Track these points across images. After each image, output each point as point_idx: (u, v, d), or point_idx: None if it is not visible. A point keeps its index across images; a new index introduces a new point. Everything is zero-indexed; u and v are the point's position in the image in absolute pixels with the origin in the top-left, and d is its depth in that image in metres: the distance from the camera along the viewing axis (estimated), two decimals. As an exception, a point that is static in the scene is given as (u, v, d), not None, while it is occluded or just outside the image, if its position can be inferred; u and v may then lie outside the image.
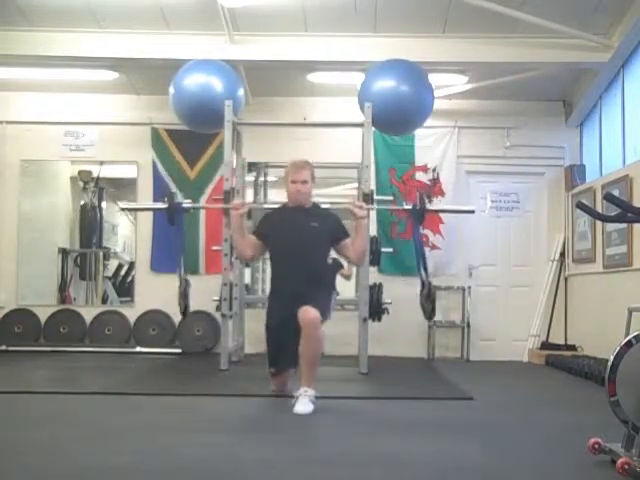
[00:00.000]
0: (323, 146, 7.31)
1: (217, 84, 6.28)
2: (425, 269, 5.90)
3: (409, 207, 5.79)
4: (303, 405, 4.01)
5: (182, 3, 6.20)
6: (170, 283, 7.69)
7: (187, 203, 6.28)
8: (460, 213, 7.08)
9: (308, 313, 4.14)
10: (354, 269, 7.00)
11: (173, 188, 7.68)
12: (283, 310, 4.35)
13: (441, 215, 7.52)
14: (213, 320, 7.51)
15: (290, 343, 4.22)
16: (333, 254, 4.79)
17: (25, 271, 7.88)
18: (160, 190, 7.70)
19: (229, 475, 2.83)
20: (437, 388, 5.58)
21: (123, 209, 7.25)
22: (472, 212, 6.42)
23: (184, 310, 6.26)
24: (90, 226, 8.44)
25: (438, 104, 6.65)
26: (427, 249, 7.62)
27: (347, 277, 7.18)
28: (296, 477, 2.83)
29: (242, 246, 4.62)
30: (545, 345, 7.51)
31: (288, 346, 4.28)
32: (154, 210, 7.12)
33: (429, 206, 5.97)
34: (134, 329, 7.73)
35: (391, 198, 7.50)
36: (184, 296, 6.21)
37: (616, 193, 5.35)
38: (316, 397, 4.06)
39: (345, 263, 6.73)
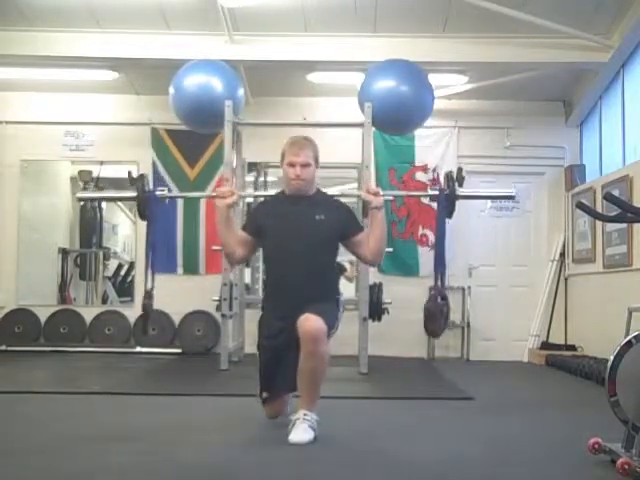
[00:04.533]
0: (323, 146, 7.20)
1: (217, 84, 6.28)
2: (443, 274, 4.89)
3: (435, 192, 4.87)
4: (301, 432, 3.27)
5: (182, 3, 6.19)
6: (170, 283, 7.71)
7: (161, 191, 5.00)
8: (499, 199, 6.33)
9: (309, 323, 3.31)
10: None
11: (173, 188, 7.70)
12: (280, 325, 3.52)
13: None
14: (213, 320, 7.51)
15: (288, 365, 3.45)
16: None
17: (25, 271, 7.87)
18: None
19: (229, 475, 2.82)
20: (437, 388, 5.58)
21: (80, 199, 5.78)
22: (512, 197, 5.50)
23: (145, 323, 5.13)
24: (90, 226, 8.45)
25: (438, 104, 6.64)
26: (427, 249, 7.65)
27: (350, 279, 7.12)
28: (296, 477, 2.83)
29: (230, 244, 3.64)
30: (545, 345, 7.51)
31: (285, 368, 3.49)
32: (119, 199, 5.76)
33: (461, 191, 4.76)
34: (134, 329, 7.73)
35: (391, 198, 7.50)
36: (147, 309, 4.96)
37: (616, 193, 5.34)
38: (318, 422, 3.35)
39: (348, 265, 6.62)
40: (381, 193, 3.65)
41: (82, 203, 8.44)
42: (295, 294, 3.49)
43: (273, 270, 3.71)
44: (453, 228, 7.62)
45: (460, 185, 4.72)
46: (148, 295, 4.96)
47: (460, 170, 4.70)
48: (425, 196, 4.94)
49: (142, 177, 4.71)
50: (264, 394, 3.62)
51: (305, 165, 3.59)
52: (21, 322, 7.71)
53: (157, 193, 4.81)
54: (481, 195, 5.97)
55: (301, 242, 3.54)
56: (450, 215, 4.73)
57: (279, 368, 3.53)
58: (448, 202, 4.63)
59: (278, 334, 3.52)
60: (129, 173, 4.82)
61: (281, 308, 3.55)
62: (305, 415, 3.32)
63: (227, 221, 3.63)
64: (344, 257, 5.51)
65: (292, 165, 3.59)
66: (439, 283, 4.72)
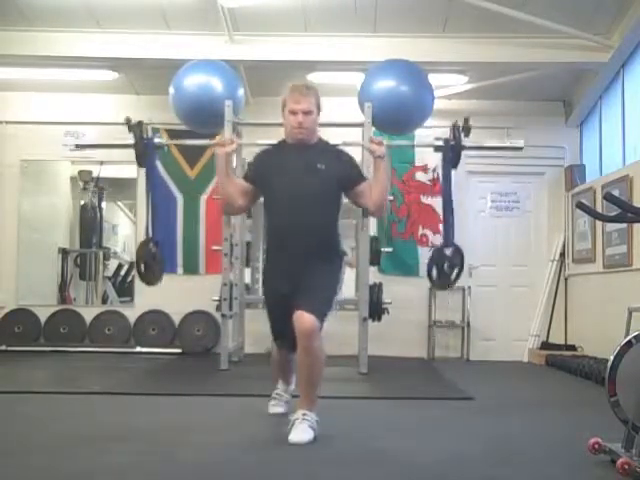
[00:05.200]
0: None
1: (217, 84, 6.28)
2: (452, 224, 4.86)
3: (440, 143, 4.75)
4: (300, 432, 3.27)
5: (182, 3, 6.19)
6: (170, 283, 7.71)
7: (159, 137, 4.84)
8: (506, 149, 6.15)
9: (302, 320, 3.29)
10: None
11: (173, 188, 7.71)
12: (280, 285, 3.50)
13: (441, 215, 7.49)
14: (213, 320, 7.51)
15: (290, 329, 3.39)
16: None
17: (25, 271, 7.87)
18: (160, 190, 7.71)
19: (229, 475, 2.83)
20: (437, 388, 5.58)
21: (78, 146, 5.70)
22: (520, 149, 5.31)
23: (145, 271, 4.82)
24: (90, 226, 8.45)
25: (438, 104, 6.64)
26: (427, 249, 7.64)
27: (351, 265, 7.09)
28: (296, 477, 2.83)
29: (230, 193, 3.59)
30: (545, 345, 7.51)
31: (288, 331, 3.42)
32: (118, 147, 5.82)
33: (466, 142, 4.67)
34: (134, 329, 7.73)
35: (391, 198, 7.50)
36: (145, 254, 4.69)
37: (616, 193, 5.34)
38: (317, 422, 3.34)
39: (350, 252, 6.61)
40: (384, 143, 3.61)
41: (82, 203, 8.45)
42: (297, 244, 3.45)
43: (274, 220, 3.61)
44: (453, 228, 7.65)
45: (466, 136, 4.64)
46: (148, 241, 4.80)
47: (467, 120, 4.67)
48: (431, 146, 4.84)
49: (140, 124, 4.67)
50: (277, 341, 3.70)
51: (307, 113, 3.54)
52: (21, 322, 7.71)
53: (155, 140, 4.81)
54: (486, 146, 5.77)
55: (302, 191, 3.47)
56: (455, 165, 4.66)
57: (283, 331, 3.50)
58: (454, 153, 4.59)
59: (278, 297, 3.51)
60: (127, 119, 4.71)
61: (283, 259, 3.52)
62: (305, 415, 3.32)
63: (227, 170, 3.59)
64: (344, 246, 5.47)
65: (294, 113, 3.55)
66: (447, 236, 4.66)
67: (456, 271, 4.68)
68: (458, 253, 4.67)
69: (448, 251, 4.72)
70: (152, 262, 4.74)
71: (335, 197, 3.58)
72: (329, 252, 3.55)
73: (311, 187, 3.48)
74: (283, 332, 3.52)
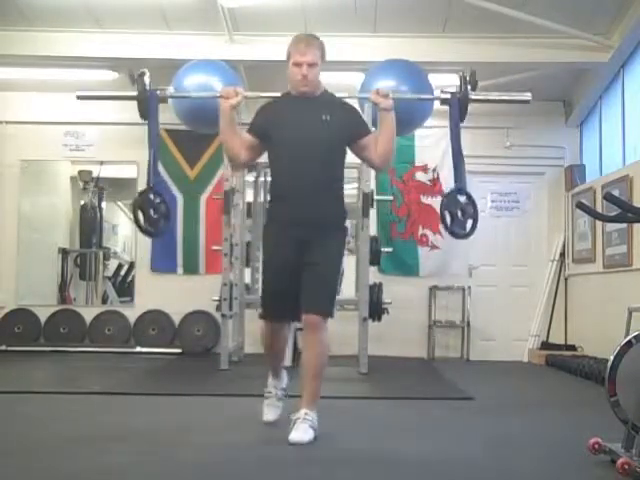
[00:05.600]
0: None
1: (217, 84, 6.26)
2: (463, 171, 4.67)
3: (447, 96, 4.59)
4: (301, 432, 3.24)
5: (182, 3, 6.19)
6: (170, 283, 7.72)
7: (162, 89, 4.78)
8: (513, 102, 5.56)
9: (309, 315, 3.32)
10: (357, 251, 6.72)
11: (173, 188, 7.71)
12: (284, 247, 3.39)
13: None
14: (213, 320, 7.51)
15: (291, 289, 3.34)
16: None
17: (25, 271, 7.88)
18: (160, 190, 7.69)
19: (229, 475, 2.83)
20: (437, 388, 5.59)
21: (79, 97, 5.27)
22: (527, 102, 4.92)
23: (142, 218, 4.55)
24: (90, 226, 8.45)
25: (438, 104, 6.62)
26: (427, 249, 7.66)
27: (350, 251, 7.05)
28: (296, 477, 2.83)
29: (233, 146, 3.53)
30: (545, 345, 7.51)
31: (288, 290, 3.36)
32: (120, 98, 5.59)
33: (474, 95, 4.52)
34: (134, 329, 7.73)
35: (391, 198, 7.51)
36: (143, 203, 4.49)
37: (616, 193, 5.34)
38: (318, 422, 3.32)
39: (351, 239, 6.59)
40: (390, 95, 3.54)
41: (82, 203, 8.44)
42: (302, 199, 3.37)
43: (278, 173, 3.52)
44: (453, 228, 7.65)
45: (473, 89, 4.58)
46: (149, 190, 4.60)
47: (474, 74, 4.59)
48: (437, 99, 4.72)
49: (142, 75, 4.55)
50: (264, 314, 3.50)
51: (312, 65, 3.47)
52: (21, 322, 7.71)
53: (157, 92, 4.67)
54: (493, 99, 5.48)
55: (306, 142, 3.41)
56: (462, 118, 4.59)
57: (281, 290, 3.39)
58: (461, 104, 4.50)
59: (285, 248, 3.38)
60: (131, 74, 4.56)
61: (287, 213, 3.42)
62: (306, 414, 3.30)
63: (231, 123, 3.53)
64: None
65: (298, 65, 3.49)
66: (460, 181, 4.54)
67: (470, 222, 4.48)
68: (471, 203, 4.53)
69: (462, 199, 4.55)
70: (151, 212, 4.54)
71: (340, 149, 3.50)
72: (334, 208, 3.47)
73: (315, 138, 3.41)
74: (282, 296, 3.39)
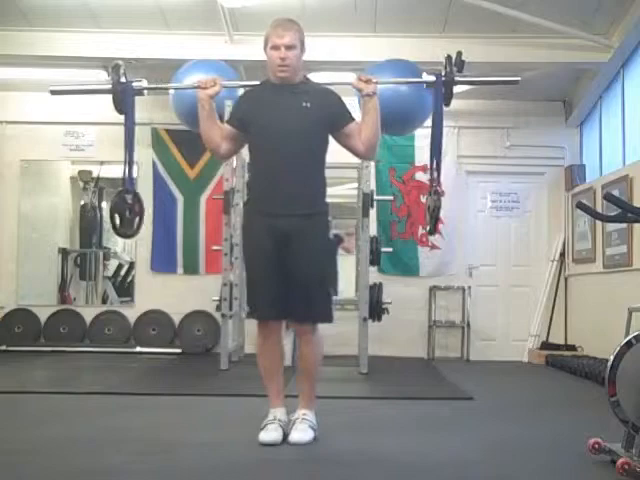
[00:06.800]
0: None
1: (217, 84, 6.27)
2: (439, 163, 4.43)
3: (432, 79, 4.35)
4: (301, 432, 3.21)
5: (182, 3, 6.20)
6: (170, 283, 7.72)
7: (138, 81, 4.33)
8: (501, 83, 5.56)
9: (301, 324, 3.29)
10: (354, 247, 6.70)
11: (173, 188, 7.71)
12: (264, 239, 3.24)
13: (441, 215, 7.46)
14: (213, 320, 7.51)
15: (276, 291, 3.22)
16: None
17: (25, 271, 7.88)
18: (160, 190, 7.73)
19: (229, 475, 2.83)
20: (437, 388, 5.59)
21: (53, 92, 4.92)
22: (517, 82, 4.67)
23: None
24: (90, 226, 8.44)
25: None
26: (427, 249, 7.66)
27: (348, 250, 7.05)
28: (296, 477, 2.83)
29: (213, 138, 3.36)
30: (545, 345, 7.51)
31: (274, 294, 3.23)
32: (94, 92, 5.08)
33: (460, 77, 4.32)
34: (134, 329, 7.73)
35: (391, 198, 7.50)
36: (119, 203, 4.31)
37: (616, 193, 5.34)
38: (317, 422, 3.30)
39: (346, 236, 6.58)
40: (374, 80, 3.39)
41: (82, 203, 8.44)
42: (282, 187, 3.24)
43: (257, 162, 3.39)
44: (453, 228, 7.65)
45: (459, 71, 4.37)
46: (125, 191, 4.40)
47: (460, 54, 4.47)
48: (421, 82, 4.60)
49: (117, 67, 4.21)
50: (254, 314, 3.39)
51: (290, 47, 3.26)
52: (21, 322, 7.71)
53: (134, 84, 4.28)
54: (481, 80, 5.33)
55: (286, 129, 3.26)
56: (448, 102, 4.31)
57: (266, 282, 3.24)
58: (446, 88, 4.25)
59: (265, 240, 3.23)
60: (113, 66, 4.34)
61: (266, 203, 3.28)
62: (305, 415, 3.29)
63: (209, 114, 3.36)
64: (342, 230, 5.28)
65: (276, 48, 3.27)
66: (434, 174, 4.34)
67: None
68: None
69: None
70: (127, 214, 4.36)
71: (321, 137, 3.34)
72: (314, 198, 3.32)
73: (295, 126, 3.26)
74: (268, 292, 3.24)
